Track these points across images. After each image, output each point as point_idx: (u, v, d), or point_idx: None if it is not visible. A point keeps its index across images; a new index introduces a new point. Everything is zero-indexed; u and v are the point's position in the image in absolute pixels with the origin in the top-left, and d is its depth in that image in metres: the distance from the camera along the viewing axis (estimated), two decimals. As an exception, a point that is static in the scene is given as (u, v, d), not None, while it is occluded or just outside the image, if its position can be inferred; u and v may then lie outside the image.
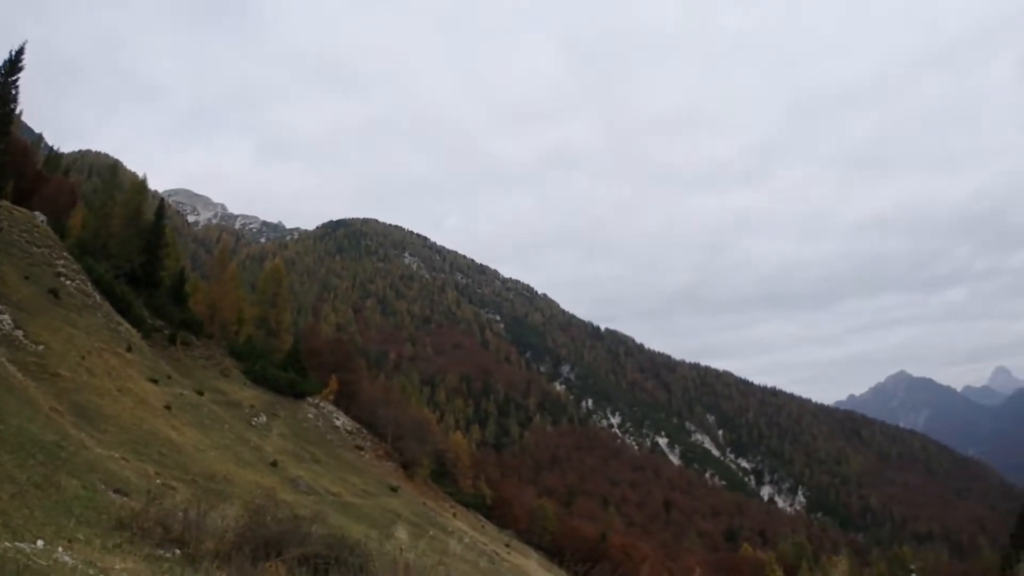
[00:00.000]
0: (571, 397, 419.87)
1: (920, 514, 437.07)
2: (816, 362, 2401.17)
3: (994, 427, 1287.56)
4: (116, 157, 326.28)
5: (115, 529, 22.54)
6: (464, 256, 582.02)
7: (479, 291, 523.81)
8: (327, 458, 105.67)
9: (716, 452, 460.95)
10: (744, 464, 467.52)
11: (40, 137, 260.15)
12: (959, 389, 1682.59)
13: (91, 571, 16.27)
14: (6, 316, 66.79)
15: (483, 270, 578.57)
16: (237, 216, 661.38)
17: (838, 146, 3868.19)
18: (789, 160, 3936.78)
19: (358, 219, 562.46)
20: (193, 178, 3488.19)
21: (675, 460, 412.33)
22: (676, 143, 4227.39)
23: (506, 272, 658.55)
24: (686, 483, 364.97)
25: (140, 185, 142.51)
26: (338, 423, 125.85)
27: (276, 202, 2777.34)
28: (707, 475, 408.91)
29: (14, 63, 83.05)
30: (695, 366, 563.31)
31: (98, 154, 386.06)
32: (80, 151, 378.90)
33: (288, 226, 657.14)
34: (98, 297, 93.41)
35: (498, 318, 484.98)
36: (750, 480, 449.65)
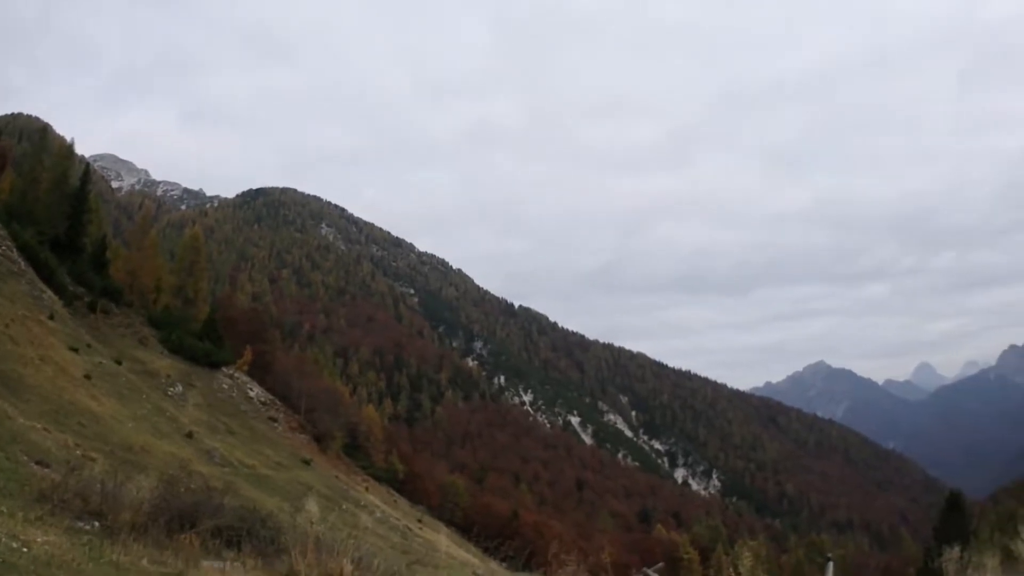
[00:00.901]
0: (483, 373, 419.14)
1: (839, 503, 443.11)
2: (732, 348, 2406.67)
3: (916, 422, 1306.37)
4: (46, 121, 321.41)
5: (37, 501, 22.53)
6: (380, 228, 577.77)
7: (394, 264, 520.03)
8: (241, 429, 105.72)
9: (629, 433, 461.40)
10: (657, 446, 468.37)
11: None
12: (880, 383, 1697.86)
13: (14, 544, 16.41)
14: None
15: (399, 243, 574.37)
16: (159, 183, 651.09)
17: (765, 138, 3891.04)
18: (713, 148, 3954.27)
19: (277, 188, 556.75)
20: (119, 143, 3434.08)
21: (587, 439, 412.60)
22: (600, 125, 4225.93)
23: (422, 246, 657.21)
24: (599, 463, 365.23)
25: (67, 150, 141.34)
26: (252, 394, 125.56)
27: (199, 169, 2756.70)
28: (620, 456, 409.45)
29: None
30: (608, 346, 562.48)
31: (29, 117, 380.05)
32: (12, 114, 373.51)
33: (209, 193, 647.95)
34: (23, 264, 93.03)
35: (412, 292, 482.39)
36: (664, 462, 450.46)
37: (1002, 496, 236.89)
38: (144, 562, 18.08)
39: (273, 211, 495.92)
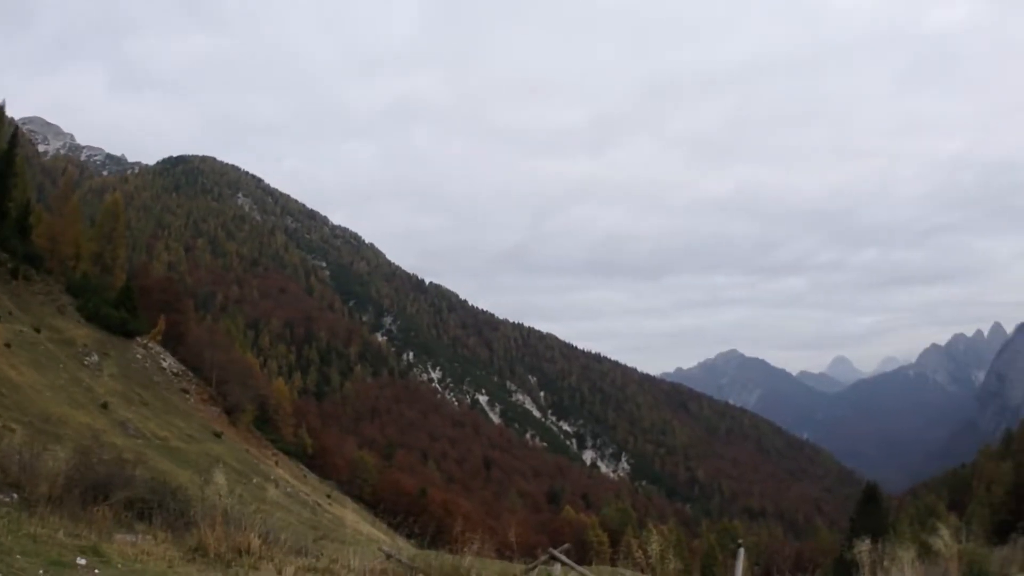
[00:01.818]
0: (392, 349, 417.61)
1: (752, 490, 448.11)
2: (643, 333, 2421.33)
3: (831, 414, 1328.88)
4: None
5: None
6: (296, 200, 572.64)
7: (307, 236, 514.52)
8: (154, 401, 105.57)
9: (537, 413, 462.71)
10: (566, 427, 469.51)
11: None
12: (794, 374, 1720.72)
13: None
14: None
15: (313, 215, 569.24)
16: (84, 147, 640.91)
17: (690, 126, 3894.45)
18: (636, 135, 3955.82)
19: (197, 156, 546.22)
20: (48, 107, 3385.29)
21: (495, 418, 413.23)
22: (524, 106, 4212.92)
23: (336, 219, 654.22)
24: (506, 442, 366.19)
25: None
26: (165, 365, 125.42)
27: (124, 134, 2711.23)
28: (528, 436, 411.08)
29: None
30: (518, 326, 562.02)
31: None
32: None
33: (131, 160, 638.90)
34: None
35: (324, 265, 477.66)
36: (572, 443, 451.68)
37: (921, 491, 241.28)
38: (60, 534, 18.57)
39: (192, 179, 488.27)
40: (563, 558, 24.59)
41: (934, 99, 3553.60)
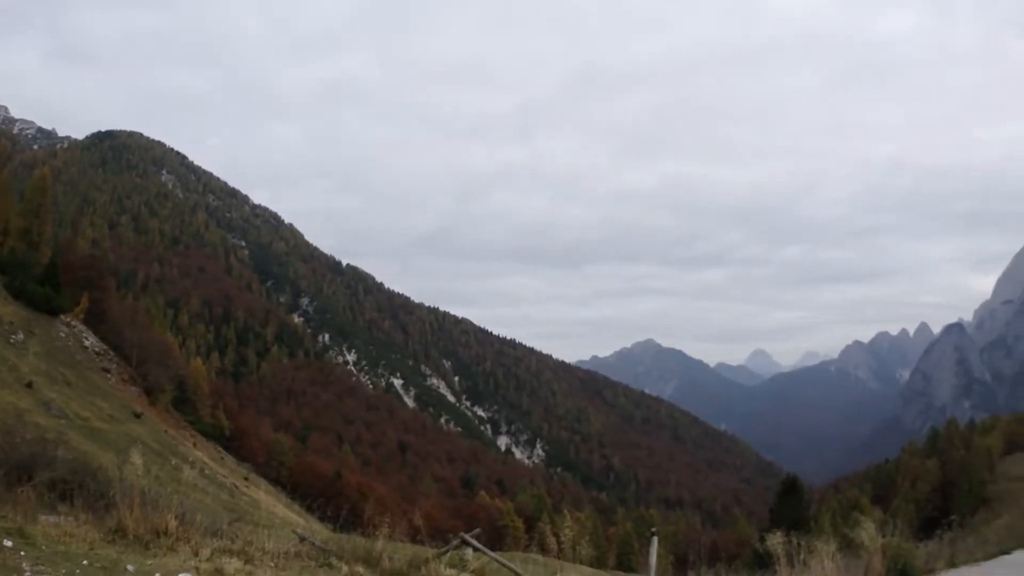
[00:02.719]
0: (308, 331, 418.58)
1: (668, 479, 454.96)
2: (560, 320, 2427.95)
3: (749, 406, 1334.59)
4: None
5: None
6: (218, 178, 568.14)
7: (228, 215, 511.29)
8: (78, 380, 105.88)
9: (451, 398, 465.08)
10: (480, 412, 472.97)
11: None
12: (712, 365, 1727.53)
13: None
14: None
15: (235, 194, 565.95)
16: (17, 120, 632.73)
17: (618, 117, 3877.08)
18: (564, 123, 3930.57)
19: (125, 132, 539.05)
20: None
21: (410, 403, 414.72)
22: (452, 91, 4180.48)
23: (257, 198, 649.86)
24: (421, 426, 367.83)
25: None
26: (87, 344, 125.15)
27: (58, 107, 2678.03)
28: (443, 420, 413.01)
29: None
30: (434, 310, 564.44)
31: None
32: None
33: (61, 134, 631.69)
34: None
35: (244, 244, 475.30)
36: (487, 429, 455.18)
37: (843, 485, 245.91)
38: (-15, 517, 18.73)
39: (118, 155, 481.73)
40: (474, 543, 25.19)
41: (871, 103, 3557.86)
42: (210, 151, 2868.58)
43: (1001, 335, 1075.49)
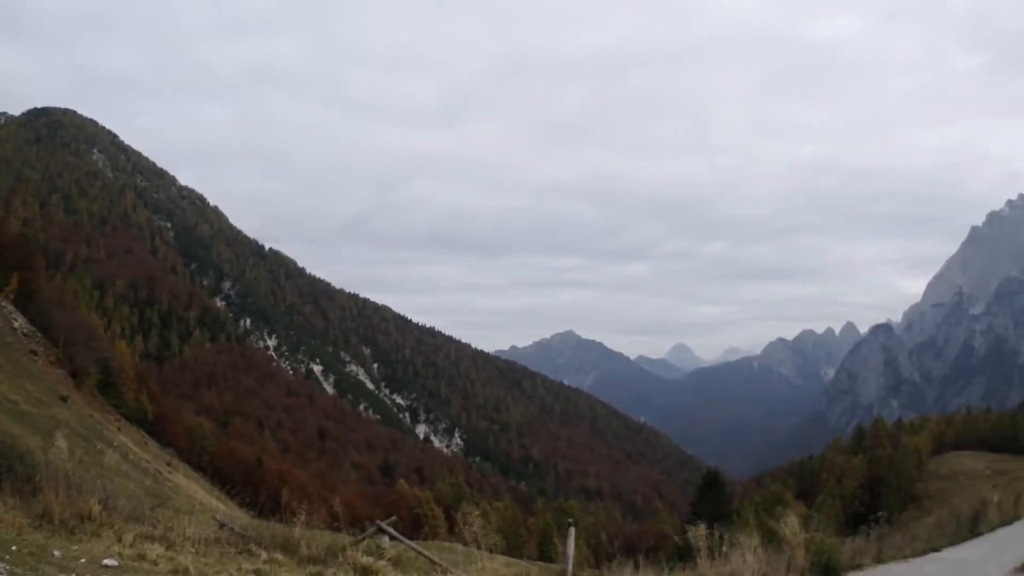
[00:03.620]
0: (230, 315, 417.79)
1: (588, 471, 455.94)
2: (479, 309, 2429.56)
3: (670, 399, 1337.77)
4: None
5: None
6: (147, 158, 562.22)
7: (155, 196, 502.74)
8: (6, 363, 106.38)
9: (371, 385, 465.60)
10: (399, 400, 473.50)
11: None
12: (632, 358, 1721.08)
13: None
14: None
15: (162, 174, 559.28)
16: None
17: (545, 109, 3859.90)
18: (489, 112, 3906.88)
19: (59, 109, 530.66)
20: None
21: (329, 389, 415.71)
22: (378, 76, 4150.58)
23: (184, 179, 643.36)
24: (341, 413, 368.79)
25: None
26: (16, 325, 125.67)
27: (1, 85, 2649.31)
28: (362, 407, 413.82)
29: None
30: (354, 296, 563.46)
31: None
32: None
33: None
34: None
35: (169, 226, 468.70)
36: (405, 417, 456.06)
37: (766, 480, 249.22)
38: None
39: (52, 132, 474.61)
40: (391, 531, 26.88)
41: (803, 104, 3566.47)
42: (140, 131, 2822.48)
43: (931, 337, 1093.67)
